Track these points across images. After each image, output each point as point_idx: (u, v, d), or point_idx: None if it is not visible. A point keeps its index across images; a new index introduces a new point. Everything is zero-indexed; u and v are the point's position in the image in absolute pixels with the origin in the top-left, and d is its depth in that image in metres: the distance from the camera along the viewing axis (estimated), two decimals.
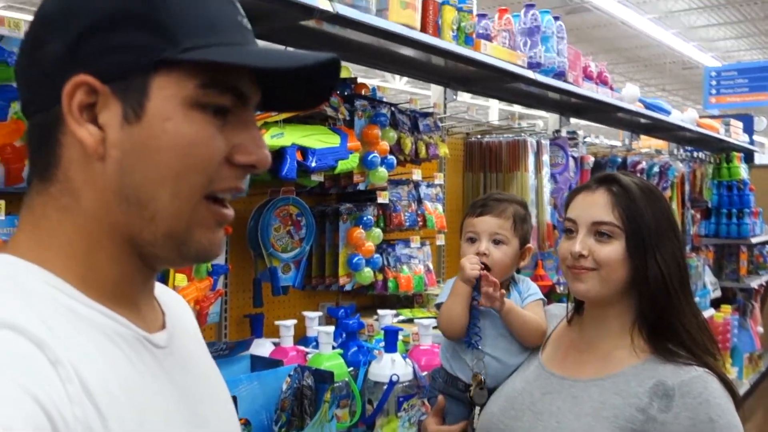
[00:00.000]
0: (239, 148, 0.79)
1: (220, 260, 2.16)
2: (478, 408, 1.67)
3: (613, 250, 1.48)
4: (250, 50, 0.79)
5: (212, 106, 0.76)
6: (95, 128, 0.73)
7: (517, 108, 7.61)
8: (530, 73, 3.18)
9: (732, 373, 5.78)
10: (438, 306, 1.82)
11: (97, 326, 0.73)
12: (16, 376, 0.60)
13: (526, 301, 1.75)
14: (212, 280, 2.11)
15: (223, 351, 2.11)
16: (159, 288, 0.91)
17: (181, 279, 1.98)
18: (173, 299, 0.95)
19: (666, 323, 1.46)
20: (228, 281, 2.38)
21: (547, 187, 3.57)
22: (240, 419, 1.75)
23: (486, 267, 1.71)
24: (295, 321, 2.32)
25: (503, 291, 1.67)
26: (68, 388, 0.64)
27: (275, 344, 2.35)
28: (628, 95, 4.40)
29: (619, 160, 4.64)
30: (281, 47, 2.30)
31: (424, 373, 2.22)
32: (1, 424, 0.56)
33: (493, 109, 11.20)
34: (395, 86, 11.50)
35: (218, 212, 0.79)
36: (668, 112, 5.00)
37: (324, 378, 2.00)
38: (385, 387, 2.15)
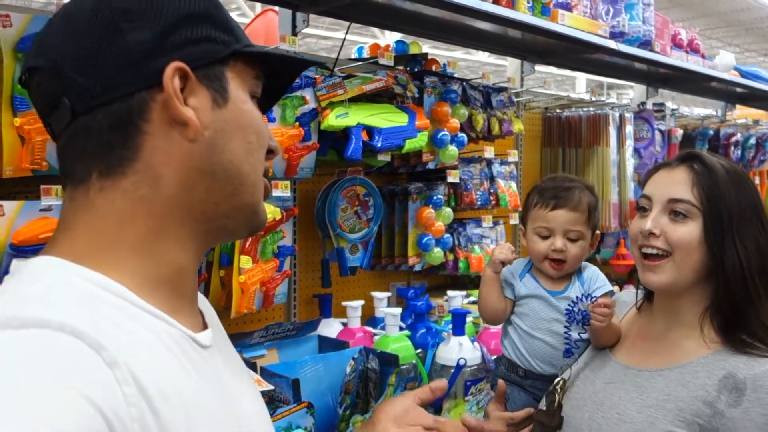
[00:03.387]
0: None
1: (287, 241, 2.16)
2: (561, 381, 1.60)
3: (688, 231, 1.36)
4: (271, 48, 0.90)
5: (256, 96, 0.87)
6: (192, 111, 0.78)
7: (605, 78, 7.32)
8: (612, 43, 3.02)
9: None
10: None
11: (148, 327, 0.74)
12: (74, 380, 0.61)
13: (594, 294, 1.65)
14: (278, 261, 2.11)
15: (290, 331, 2.12)
16: None
17: (246, 261, 1.99)
18: (200, 298, 0.96)
19: (740, 315, 1.34)
20: (296, 261, 2.38)
21: (630, 162, 3.41)
22: (302, 402, 1.76)
23: (559, 261, 1.66)
24: (362, 302, 2.31)
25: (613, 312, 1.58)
26: (125, 390, 0.65)
27: (344, 324, 2.35)
28: (722, 63, 4.15)
29: (711, 132, 4.39)
30: None
31: (493, 357, 2.17)
32: (59, 428, 0.58)
33: (580, 80, 10.82)
34: (478, 58, 11.27)
35: (268, 186, 0.89)
36: (767, 80, 4.68)
37: (389, 361, 1.98)
38: (452, 370, 2.11)
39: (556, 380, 1.58)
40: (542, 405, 1.58)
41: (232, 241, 1.88)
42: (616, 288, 3.36)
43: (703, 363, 1.35)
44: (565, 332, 1.65)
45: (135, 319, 0.73)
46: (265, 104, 0.96)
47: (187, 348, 0.78)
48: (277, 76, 0.92)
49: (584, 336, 1.64)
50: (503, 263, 1.71)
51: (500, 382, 1.70)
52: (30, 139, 1.59)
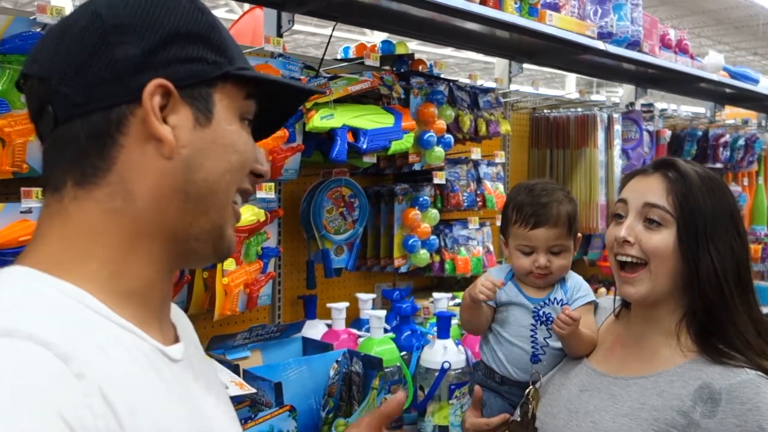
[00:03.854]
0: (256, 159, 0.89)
1: (272, 243, 2.15)
2: (531, 390, 1.59)
3: (662, 239, 1.36)
4: (272, 75, 0.93)
5: (248, 118, 0.87)
6: (170, 128, 0.78)
7: (595, 78, 7.29)
8: (600, 44, 3.02)
9: None
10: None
11: (118, 340, 0.74)
12: (42, 391, 0.62)
13: (575, 303, 1.64)
14: (262, 263, 2.10)
15: (274, 333, 2.11)
16: None
17: (229, 263, 1.98)
18: (176, 311, 0.96)
19: (717, 323, 1.34)
20: (281, 263, 2.37)
21: (618, 163, 3.41)
22: (285, 405, 1.75)
23: (545, 274, 1.66)
24: (347, 304, 2.31)
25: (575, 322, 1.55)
26: (91, 402, 0.65)
27: (329, 326, 2.34)
28: (710, 64, 4.15)
29: (700, 133, 4.38)
30: None
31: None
32: None
33: (570, 78, 10.82)
34: (468, 56, 11.25)
35: (238, 211, 0.88)
36: (756, 81, 4.68)
37: (373, 364, 1.97)
38: (436, 374, 2.11)
39: (527, 390, 1.57)
40: (517, 416, 1.57)
41: (200, 266, 1.87)
42: (603, 290, 3.38)
43: (678, 372, 1.34)
44: (532, 333, 1.62)
45: (104, 331, 0.73)
46: (269, 127, 0.97)
47: (156, 361, 0.78)
48: (276, 98, 0.93)
49: (552, 343, 1.63)
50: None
51: (476, 388, 1.70)
52: (10, 142, 1.58)
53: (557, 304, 1.63)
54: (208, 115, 0.81)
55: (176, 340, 0.87)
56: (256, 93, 0.87)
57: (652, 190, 1.40)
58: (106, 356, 0.70)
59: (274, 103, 0.92)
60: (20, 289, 0.72)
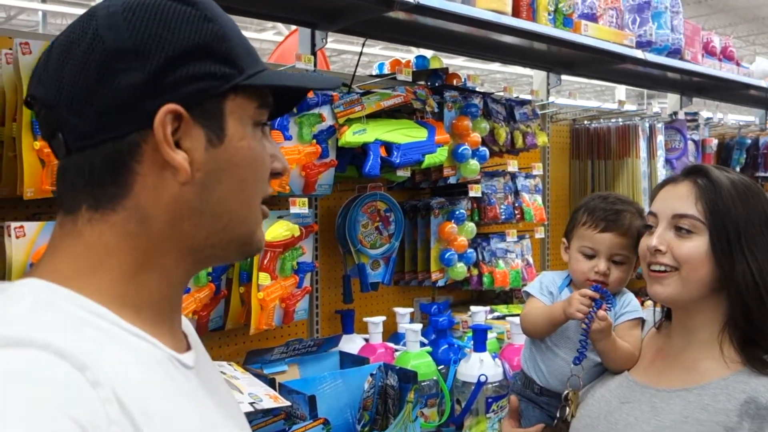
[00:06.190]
0: (273, 158, 0.88)
1: (307, 258, 2.18)
2: (569, 392, 1.56)
3: (694, 246, 1.34)
4: (283, 73, 0.92)
5: (261, 123, 0.85)
6: (184, 153, 0.77)
7: (640, 88, 7.17)
8: (638, 53, 2.98)
9: None
10: (526, 294, 1.74)
11: (132, 348, 0.75)
12: (58, 399, 0.62)
13: (621, 318, 1.60)
14: (298, 278, 2.12)
15: (311, 347, 2.13)
16: None
17: (264, 278, 2.01)
18: (185, 321, 0.96)
19: (759, 331, 1.31)
20: (318, 277, 2.39)
21: (661, 173, 3.35)
22: (319, 419, 1.76)
23: (603, 284, 1.61)
24: (383, 318, 2.31)
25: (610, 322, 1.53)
26: (108, 409, 0.65)
27: (366, 340, 2.35)
28: (758, 70, 4.05)
29: (749, 141, 4.27)
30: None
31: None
32: None
33: (620, 90, 10.65)
34: (515, 71, 11.19)
35: (266, 211, 0.88)
36: None
37: (408, 377, 1.97)
38: (473, 387, 2.09)
39: (565, 392, 1.54)
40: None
41: (226, 264, 1.89)
42: (649, 303, 3.30)
43: (722, 385, 1.30)
44: (585, 327, 1.53)
45: (118, 340, 0.74)
46: (276, 113, 0.94)
47: (170, 369, 0.78)
48: (287, 91, 0.92)
49: (592, 356, 1.58)
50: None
51: (512, 397, 1.68)
52: (50, 162, 1.63)
53: (607, 303, 1.57)
54: (220, 134, 0.80)
55: (188, 347, 0.88)
56: (270, 98, 0.86)
57: (681, 198, 1.38)
58: (121, 364, 0.71)
59: (284, 95, 0.92)
60: (32, 299, 0.73)
